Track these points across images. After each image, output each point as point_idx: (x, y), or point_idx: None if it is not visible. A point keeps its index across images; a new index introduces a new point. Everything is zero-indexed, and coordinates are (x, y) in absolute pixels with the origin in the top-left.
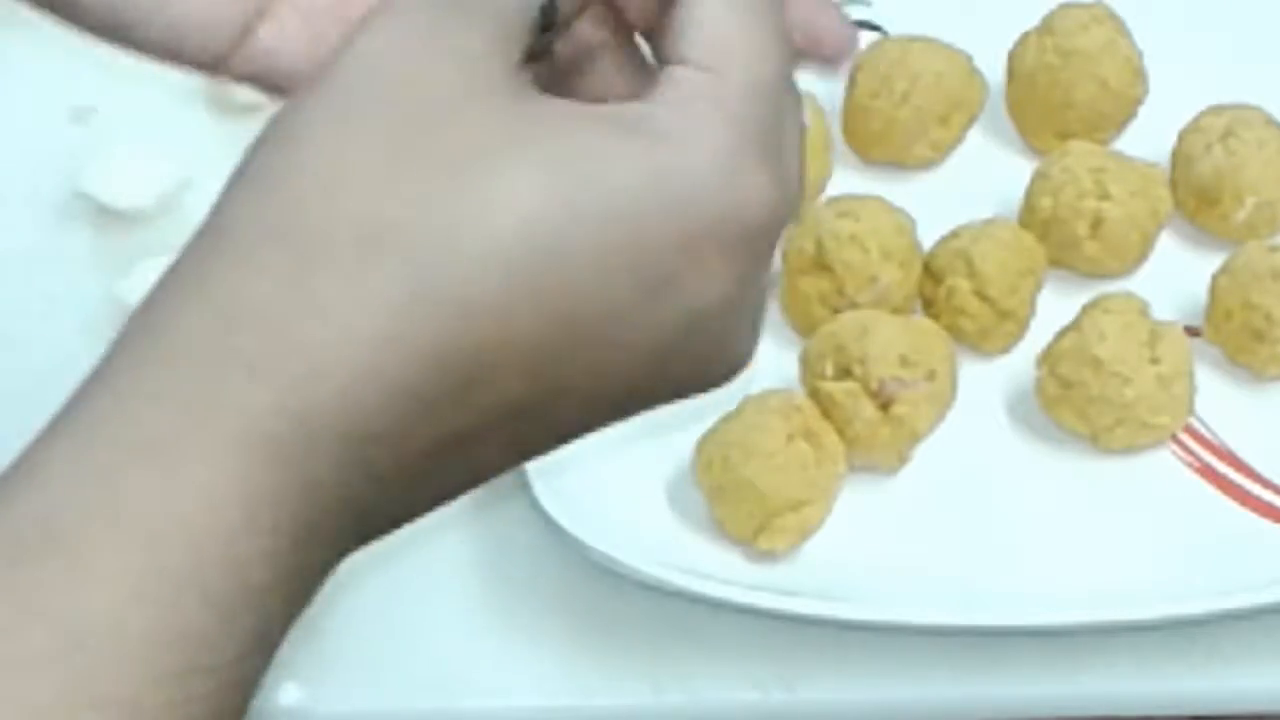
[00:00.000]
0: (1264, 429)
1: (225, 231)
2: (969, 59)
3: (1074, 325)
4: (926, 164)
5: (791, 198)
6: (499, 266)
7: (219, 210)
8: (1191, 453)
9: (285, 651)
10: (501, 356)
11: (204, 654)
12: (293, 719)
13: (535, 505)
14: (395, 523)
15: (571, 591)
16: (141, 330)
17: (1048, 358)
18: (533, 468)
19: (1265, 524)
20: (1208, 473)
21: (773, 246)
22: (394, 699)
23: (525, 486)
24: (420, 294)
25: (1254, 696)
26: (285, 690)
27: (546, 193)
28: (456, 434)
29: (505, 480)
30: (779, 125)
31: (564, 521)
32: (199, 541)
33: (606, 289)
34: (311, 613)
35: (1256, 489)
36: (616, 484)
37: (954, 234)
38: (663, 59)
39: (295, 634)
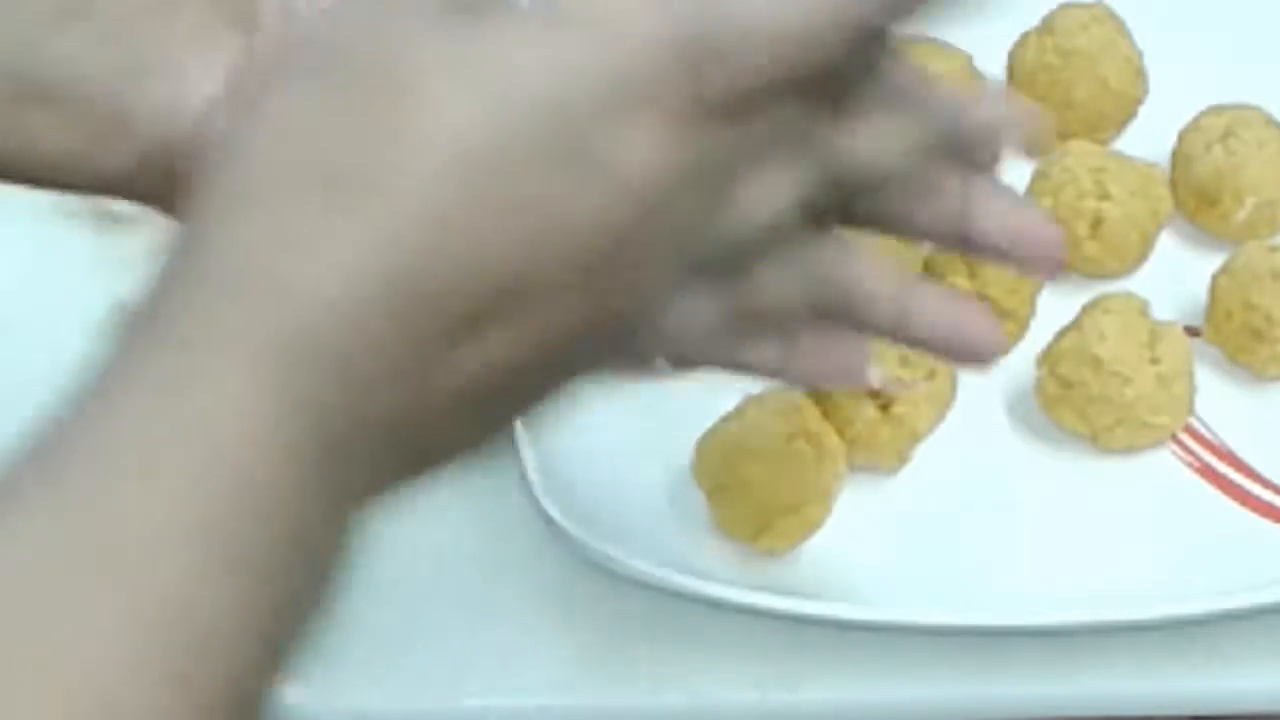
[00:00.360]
0: (1264, 429)
1: (207, 191)
2: (969, 59)
3: (1074, 325)
4: None
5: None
6: (443, 184)
7: (207, 176)
8: (1191, 453)
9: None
10: (461, 263)
11: (236, 547)
12: (293, 719)
13: (535, 505)
14: (430, 457)
15: (571, 591)
16: (166, 279)
17: (1048, 358)
18: (533, 467)
19: (1265, 524)
20: (1208, 473)
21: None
22: (394, 699)
23: (525, 486)
24: (377, 223)
25: (1254, 696)
26: (285, 690)
27: (471, 105)
28: (439, 340)
29: (505, 480)
30: None
31: (564, 521)
32: (235, 473)
33: (545, 185)
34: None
35: (1256, 489)
36: (616, 484)
37: None
38: None
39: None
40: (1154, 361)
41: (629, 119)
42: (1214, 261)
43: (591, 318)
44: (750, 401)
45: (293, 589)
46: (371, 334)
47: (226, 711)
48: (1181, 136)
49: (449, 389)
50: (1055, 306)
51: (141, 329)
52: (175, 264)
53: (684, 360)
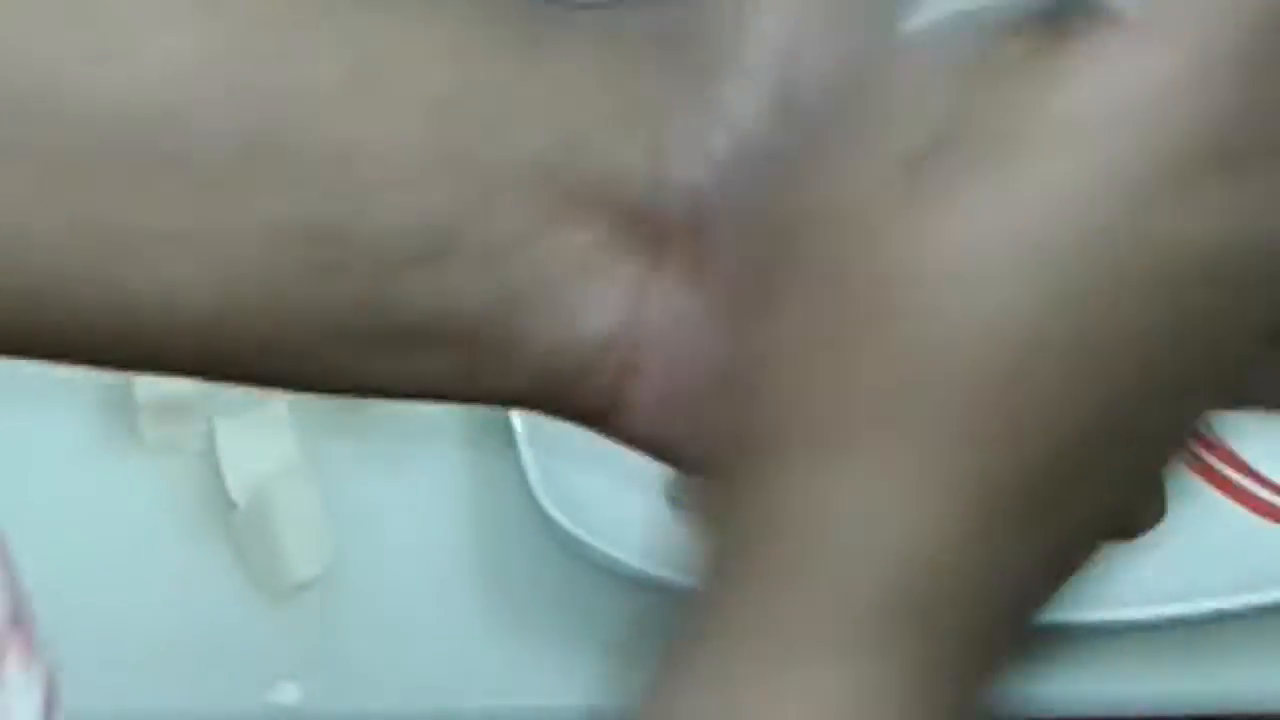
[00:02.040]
0: (1264, 429)
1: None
2: None
3: None
4: None
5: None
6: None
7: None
8: (1191, 453)
9: (285, 651)
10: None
11: None
12: (293, 719)
13: (535, 505)
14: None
15: (571, 591)
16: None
17: None
18: (533, 467)
19: (1265, 524)
20: (1208, 473)
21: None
22: (394, 699)
23: (525, 486)
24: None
25: (1254, 696)
26: (285, 690)
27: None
28: (1040, 521)
29: (505, 480)
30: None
31: (564, 521)
32: None
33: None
34: (311, 613)
35: (1256, 489)
36: (616, 484)
37: None
38: None
39: (295, 633)
40: None
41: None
42: None
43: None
44: None
45: None
46: (950, 587)
47: None
48: None
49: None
50: None
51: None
52: (746, 525)
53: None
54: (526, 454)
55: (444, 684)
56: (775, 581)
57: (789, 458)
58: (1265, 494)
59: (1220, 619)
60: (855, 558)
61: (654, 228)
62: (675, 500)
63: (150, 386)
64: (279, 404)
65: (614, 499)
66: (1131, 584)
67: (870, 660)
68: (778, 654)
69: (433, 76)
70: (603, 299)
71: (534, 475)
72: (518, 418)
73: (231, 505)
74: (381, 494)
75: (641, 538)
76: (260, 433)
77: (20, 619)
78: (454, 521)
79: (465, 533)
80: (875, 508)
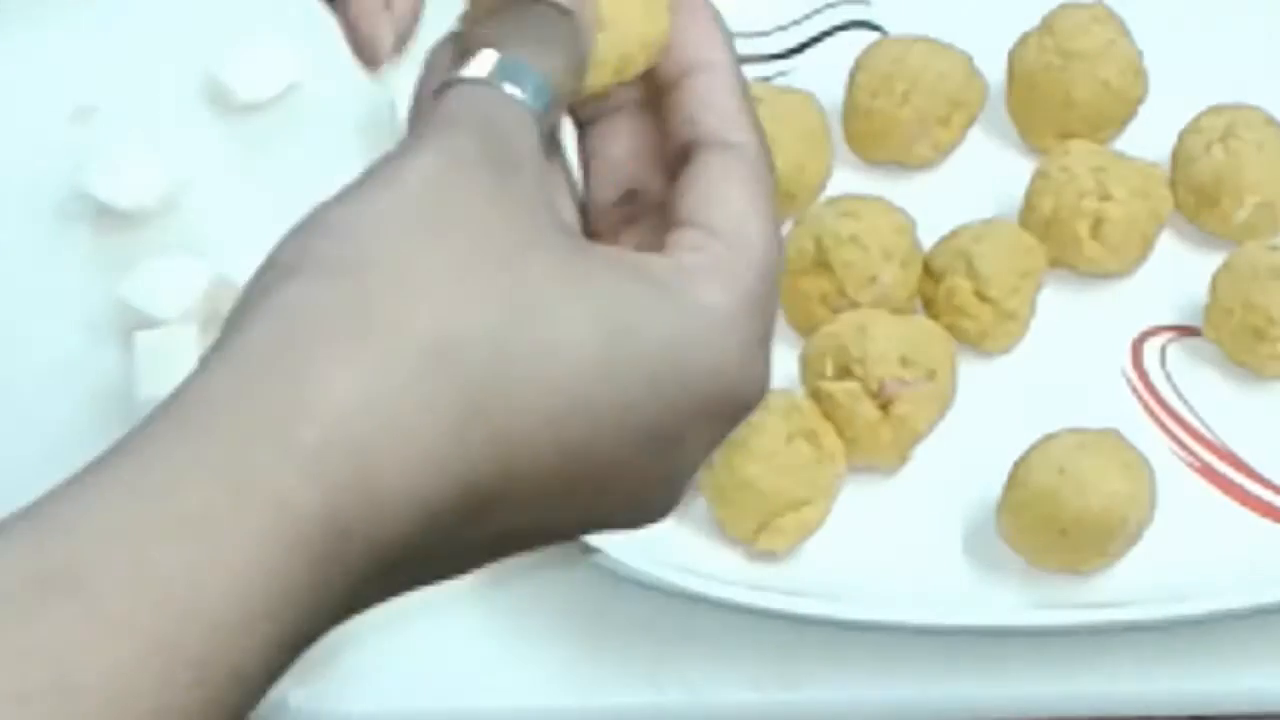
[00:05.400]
0: (1264, 429)
1: (286, 311)
2: (969, 59)
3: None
4: (927, 164)
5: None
6: (541, 409)
7: (275, 284)
8: (1191, 453)
9: None
10: (518, 489)
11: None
12: (293, 719)
13: None
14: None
15: (571, 591)
16: (196, 398)
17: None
18: None
19: (1265, 524)
20: (1208, 473)
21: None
22: (394, 699)
23: None
24: (470, 417)
25: (1254, 696)
26: (285, 690)
27: (592, 346)
28: (451, 552)
29: None
30: (775, 310)
31: None
32: (213, 623)
33: (621, 443)
34: None
35: (1256, 489)
36: None
37: (954, 234)
38: (679, 217)
39: None
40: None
41: (709, 416)
42: (1214, 261)
43: (550, 540)
44: None
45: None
46: (420, 538)
47: None
48: (1181, 136)
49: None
50: (1055, 306)
51: (196, 421)
52: (263, 400)
53: None
54: None
55: (444, 684)
56: (236, 393)
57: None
58: (1265, 494)
59: (1220, 619)
60: (332, 462)
61: None
62: None
63: (151, 385)
64: None
65: None
66: (1131, 584)
67: (293, 564)
68: (208, 523)
69: None
70: None
71: None
72: None
73: None
74: None
75: (642, 538)
76: None
77: None
78: None
79: None
80: (386, 437)
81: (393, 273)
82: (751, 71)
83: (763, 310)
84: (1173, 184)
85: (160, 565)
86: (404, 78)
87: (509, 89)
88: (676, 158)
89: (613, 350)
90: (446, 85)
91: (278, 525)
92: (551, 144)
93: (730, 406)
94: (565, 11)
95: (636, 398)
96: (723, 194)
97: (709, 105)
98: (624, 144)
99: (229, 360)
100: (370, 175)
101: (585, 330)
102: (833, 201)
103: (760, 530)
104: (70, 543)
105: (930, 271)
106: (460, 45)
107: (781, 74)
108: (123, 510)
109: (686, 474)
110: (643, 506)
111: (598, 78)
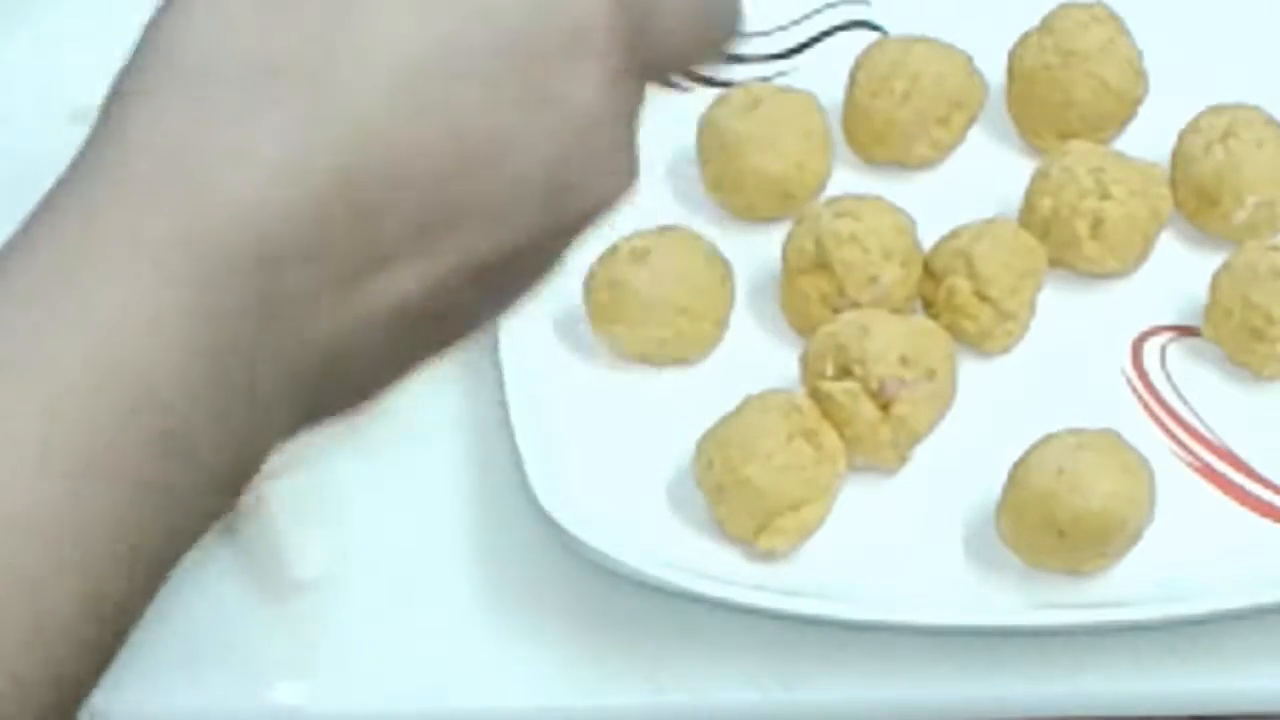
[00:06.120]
0: (1264, 429)
1: (131, 71)
2: (969, 59)
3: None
4: (927, 164)
5: None
6: (386, 94)
7: (131, 55)
8: (1191, 453)
9: (285, 651)
10: (397, 177)
11: (103, 462)
12: (293, 719)
13: (535, 505)
14: (357, 388)
15: (571, 591)
16: (72, 167)
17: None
18: (533, 468)
19: (1265, 524)
20: (1208, 473)
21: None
22: (394, 699)
23: (525, 487)
24: (313, 122)
25: (1254, 696)
26: (285, 690)
27: (423, 19)
28: (370, 259)
29: (505, 480)
30: None
31: (564, 521)
32: (114, 361)
33: (490, 109)
34: (311, 613)
35: (1256, 489)
36: (616, 484)
37: (954, 234)
38: None
39: (295, 634)
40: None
41: (578, 58)
42: (1214, 261)
43: (509, 252)
44: (750, 401)
45: (174, 505)
46: (295, 245)
47: (66, 647)
48: (1181, 136)
49: (370, 314)
50: (1055, 306)
51: (46, 212)
52: (95, 144)
53: None
54: (527, 454)
55: (444, 684)
56: (103, 192)
57: (170, 87)
58: (1265, 494)
59: (1220, 619)
60: (188, 191)
61: None
62: None
63: None
64: None
65: (614, 498)
66: (1131, 584)
67: (164, 292)
68: (78, 268)
69: None
70: None
71: (534, 475)
72: (518, 417)
73: None
74: (381, 494)
75: (642, 538)
76: None
77: None
78: (454, 522)
79: (465, 533)
80: (229, 160)
81: (204, 12)
82: (751, 71)
83: None
84: (1173, 184)
85: (42, 320)
86: None
87: None
88: None
89: (449, 21)
90: None
91: (131, 256)
92: None
93: (600, 32)
94: None
95: (491, 59)
96: None
97: None
98: None
99: (97, 125)
100: None
101: (412, 7)
102: (833, 201)
103: (760, 530)
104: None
105: (930, 271)
106: None
107: (781, 74)
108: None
109: (605, 122)
110: (583, 175)
111: None
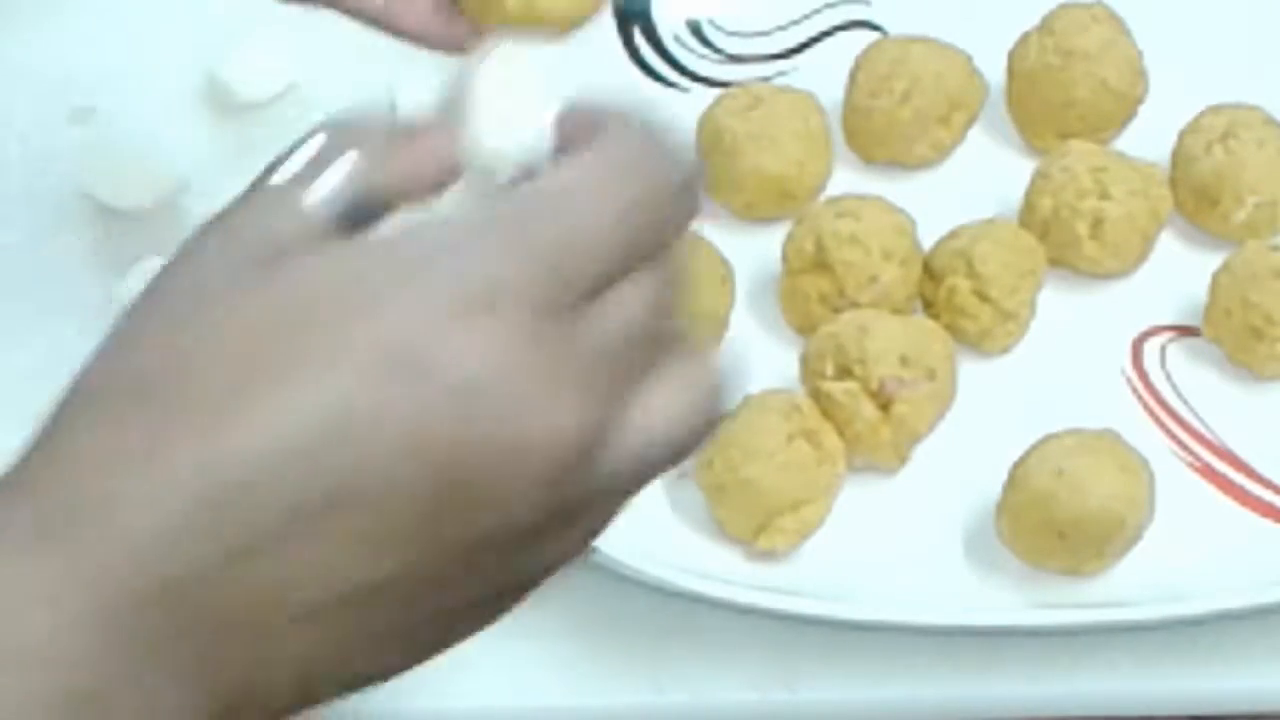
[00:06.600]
0: (1264, 429)
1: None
2: (969, 59)
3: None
4: (927, 164)
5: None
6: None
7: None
8: (1191, 452)
9: None
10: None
11: None
12: (293, 719)
13: None
14: (297, 689)
15: (571, 591)
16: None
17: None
18: None
19: (1265, 524)
20: (1208, 473)
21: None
22: (394, 699)
23: None
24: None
25: (1254, 696)
26: None
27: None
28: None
29: None
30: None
31: None
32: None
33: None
34: None
35: (1256, 489)
36: None
37: (954, 234)
38: None
39: None
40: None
41: (463, 324)
42: (1214, 261)
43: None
44: (750, 401)
45: None
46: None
47: None
48: (1181, 136)
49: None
50: (1055, 306)
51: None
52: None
53: None
54: None
55: (443, 684)
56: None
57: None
58: (1265, 494)
59: (1220, 619)
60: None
61: None
62: None
63: None
64: None
65: None
66: (1131, 584)
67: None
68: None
69: None
70: None
71: None
72: None
73: None
74: None
75: (642, 538)
76: None
77: None
78: None
79: None
80: (145, 489)
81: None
82: (751, 71)
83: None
84: (1173, 184)
85: None
86: (404, 77)
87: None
88: None
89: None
90: None
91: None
92: None
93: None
94: None
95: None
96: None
97: None
98: None
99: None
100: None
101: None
102: (833, 201)
103: (760, 530)
104: None
105: (930, 271)
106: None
107: (781, 74)
108: None
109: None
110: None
111: None
